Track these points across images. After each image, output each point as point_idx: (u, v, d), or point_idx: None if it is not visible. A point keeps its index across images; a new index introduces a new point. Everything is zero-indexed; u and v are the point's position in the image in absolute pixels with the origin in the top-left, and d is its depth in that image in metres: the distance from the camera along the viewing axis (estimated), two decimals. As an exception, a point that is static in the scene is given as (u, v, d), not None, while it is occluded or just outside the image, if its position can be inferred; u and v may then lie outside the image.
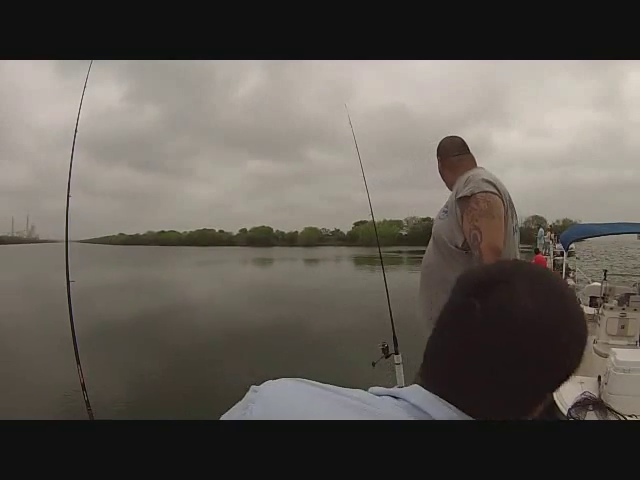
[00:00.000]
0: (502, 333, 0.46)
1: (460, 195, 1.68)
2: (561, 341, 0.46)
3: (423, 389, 0.50)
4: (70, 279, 2.63)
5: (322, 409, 0.49)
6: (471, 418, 0.47)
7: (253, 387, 0.56)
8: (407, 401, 0.50)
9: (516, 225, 1.74)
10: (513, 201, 1.82)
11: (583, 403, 2.74)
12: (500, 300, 0.47)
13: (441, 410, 0.48)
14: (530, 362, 0.46)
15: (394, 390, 0.52)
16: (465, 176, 1.76)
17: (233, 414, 0.54)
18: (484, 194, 1.63)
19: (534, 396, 0.49)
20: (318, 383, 0.54)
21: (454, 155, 1.88)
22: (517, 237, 1.76)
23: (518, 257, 1.82)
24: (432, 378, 0.51)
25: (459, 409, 0.48)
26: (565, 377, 0.49)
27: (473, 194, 1.64)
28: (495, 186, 1.64)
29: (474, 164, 1.87)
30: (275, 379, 0.58)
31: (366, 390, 0.57)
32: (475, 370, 0.47)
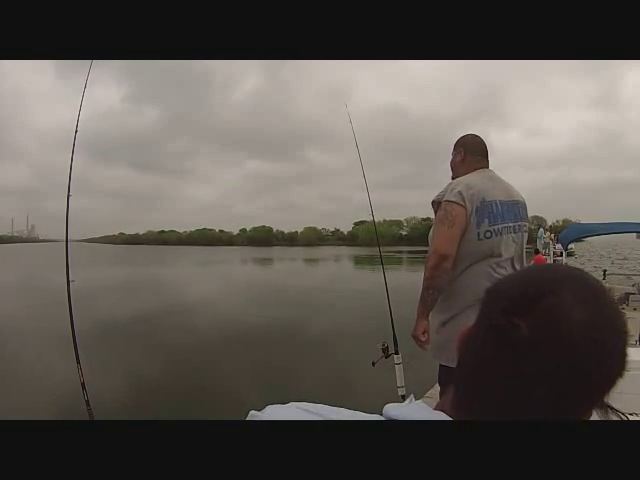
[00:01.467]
0: (555, 351, 0.42)
1: (432, 199, 1.89)
2: (612, 350, 0.45)
3: (451, 419, 0.47)
4: (70, 278, 2.64)
5: None
6: None
7: (252, 412, 0.53)
8: None
9: (493, 231, 1.80)
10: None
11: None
12: (547, 315, 0.43)
13: None
14: (586, 375, 0.44)
15: (416, 414, 0.48)
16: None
17: None
18: (446, 203, 1.78)
19: (589, 407, 0.48)
20: (327, 409, 0.50)
21: (476, 155, 1.95)
22: (495, 240, 1.81)
23: (506, 257, 1.85)
24: (468, 409, 0.47)
25: None
26: (615, 382, 0.47)
27: (440, 201, 1.82)
28: (463, 197, 1.75)
29: (484, 166, 1.95)
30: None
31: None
32: (529, 395, 0.44)
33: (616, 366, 0.47)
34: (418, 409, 0.49)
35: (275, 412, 0.52)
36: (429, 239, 1.90)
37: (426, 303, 1.81)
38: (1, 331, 8.87)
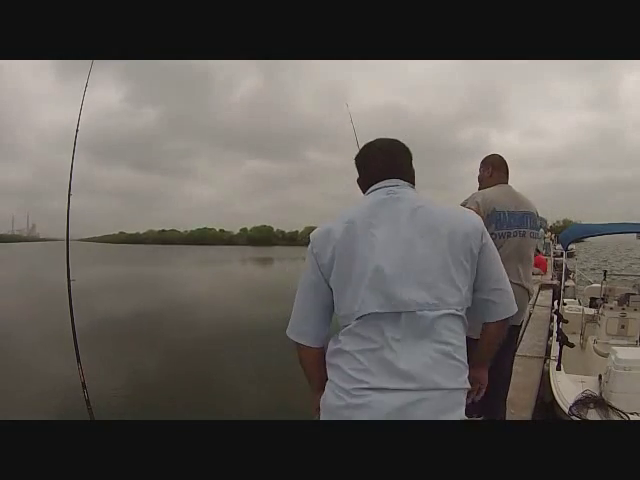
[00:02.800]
0: (400, 152, 1.29)
1: (459, 204, 2.24)
2: (400, 149, 1.29)
3: (395, 180, 1.24)
4: (71, 277, 2.64)
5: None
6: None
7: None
8: (401, 189, 1.23)
9: (498, 234, 2.21)
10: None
11: (584, 401, 2.74)
12: (385, 146, 1.29)
13: (409, 186, 1.26)
14: (394, 159, 1.27)
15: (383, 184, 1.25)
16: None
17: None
18: (467, 209, 2.27)
19: (412, 174, 1.31)
20: None
21: (500, 172, 2.40)
22: (499, 241, 2.19)
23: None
24: (390, 175, 1.25)
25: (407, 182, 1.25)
26: (410, 162, 1.31)
27: (464, 206, 2.20)
28: (479, 205, 2.19)
29: (505, 182, 2.40)
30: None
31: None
32: (406, 171, 1.28)
33: (406, 156, 1.30)
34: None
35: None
36: None
37: None
38: (1, 330, 8.87)
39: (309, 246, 1.21)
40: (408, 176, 1.27)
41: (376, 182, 1.24)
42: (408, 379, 1.01)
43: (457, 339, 1.14)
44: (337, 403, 1.01)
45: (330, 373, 1.13)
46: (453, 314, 1.13)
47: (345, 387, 1.03)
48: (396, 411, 0.91)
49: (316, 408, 1.16)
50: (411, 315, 1.08)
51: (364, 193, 1.28)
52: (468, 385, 1.09)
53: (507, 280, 1.32)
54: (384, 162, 1.25)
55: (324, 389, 1.14)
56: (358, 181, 1.33)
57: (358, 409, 0.95)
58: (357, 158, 1.33)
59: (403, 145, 1.30)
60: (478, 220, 1.24)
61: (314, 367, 1.22)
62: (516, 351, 2.62)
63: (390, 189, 1.21)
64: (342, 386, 1.04)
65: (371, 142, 1.30)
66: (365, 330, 1.09)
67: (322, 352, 1.21)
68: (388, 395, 0.97)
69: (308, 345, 1.21)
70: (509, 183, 2.42)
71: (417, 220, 1.15)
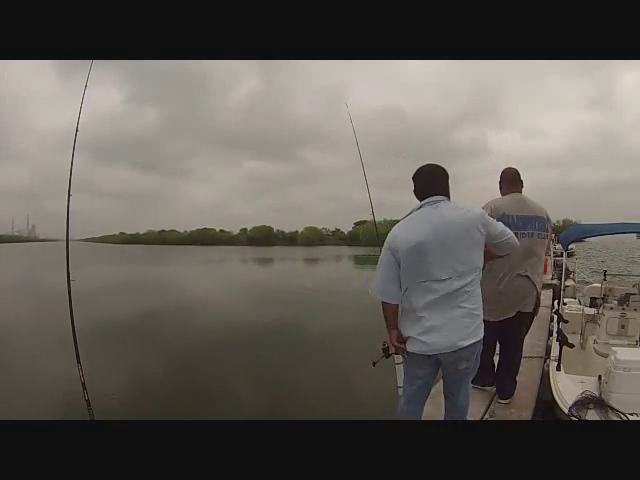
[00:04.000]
0: (438, 174, 2.01)
1: None
2: (440, 172, 2.01)
3: (435, 196, 1.93)
4: (71, 278, 2.64)
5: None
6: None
7: None
8: (438, 202, 1.92)
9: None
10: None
11: (584, 402, 2.74)
12: (419, 170, 2.03)
13: (444, 199, 1.95)
14: (437, 178, 1.99)
15: (428, 202, 1.95)
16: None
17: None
18: None
19: (446, 189, 1.99)
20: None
21: (510, 182, 2.96)
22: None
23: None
24: (432, 192, 1.94)
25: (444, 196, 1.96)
26: (447, 178, 2.01)
27: None
28: (492, 211, 2.68)
29: (518, 191, 2.97)
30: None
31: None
32: (442, 187, 1.97)
33: (444, 177, 2.01)
34: None
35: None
36: None
37: None
38: (1, 331, 8.86)
39: (387, 239, 1.96)
40: (445, 191, 1.97)
41: (427, 195, 1.95)
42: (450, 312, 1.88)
43: (473, 292, 1.91)
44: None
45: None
46: (468, 276, 1.88)
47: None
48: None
49: (392, 342, 2.01)
50: (446, 281, 1.86)
51: (419, 200, 1.98)
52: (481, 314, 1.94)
53: (509, 232, 2.08)
54: (429, 182, 1.97)
55: (396, 328, 1.98)
56: (414, 192, 2.02)
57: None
58: (413, 177, 2.02)
59: (443, 169, 2.02)
60: (480, 211, 1.98)
61: (393, 316, 1.99)
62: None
63: (435, 205, 1.93)
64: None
65: (422, 167, 2.02)
66: (421, 291, 1.88)
67: (397, 306, 1.97)
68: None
69: (392, 303, 1.97)
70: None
71: (448, 221, 1.88)
